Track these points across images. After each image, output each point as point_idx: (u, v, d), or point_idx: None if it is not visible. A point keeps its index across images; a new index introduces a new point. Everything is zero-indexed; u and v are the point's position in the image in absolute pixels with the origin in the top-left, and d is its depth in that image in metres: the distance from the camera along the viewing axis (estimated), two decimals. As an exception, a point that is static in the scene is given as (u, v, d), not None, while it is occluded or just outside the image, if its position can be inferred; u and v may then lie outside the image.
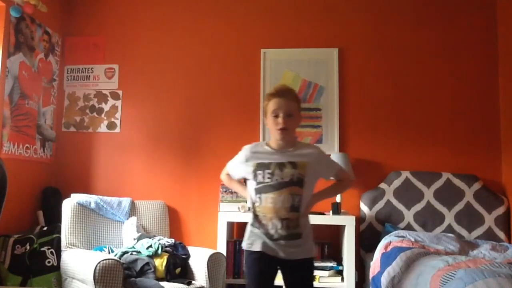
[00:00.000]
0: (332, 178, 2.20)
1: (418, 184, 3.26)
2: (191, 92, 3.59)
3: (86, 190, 3.41)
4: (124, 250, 2.85)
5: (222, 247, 3.03)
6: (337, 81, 3.48)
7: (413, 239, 2.73)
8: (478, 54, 3.43)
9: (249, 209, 2.13)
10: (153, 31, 3.67)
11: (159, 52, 3.64)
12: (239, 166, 2.10)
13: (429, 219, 3.20)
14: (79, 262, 2.65)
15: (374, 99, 3.48)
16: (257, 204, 1.99)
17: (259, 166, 1.99)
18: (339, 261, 3.14)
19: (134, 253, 2.82)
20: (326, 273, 3.01)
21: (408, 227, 3.19)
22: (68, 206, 3.00)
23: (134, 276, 2.64)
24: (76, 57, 3.69)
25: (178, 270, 2.80)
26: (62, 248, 2.90)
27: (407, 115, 3.44)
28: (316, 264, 3.06)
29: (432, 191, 3.23)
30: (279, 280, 2.04)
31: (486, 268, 1.94)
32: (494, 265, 2.01)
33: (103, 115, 3.61)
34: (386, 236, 2.85)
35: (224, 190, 3.33)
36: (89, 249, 2.94)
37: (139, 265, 2.69)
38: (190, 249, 2.98)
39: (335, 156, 3.23)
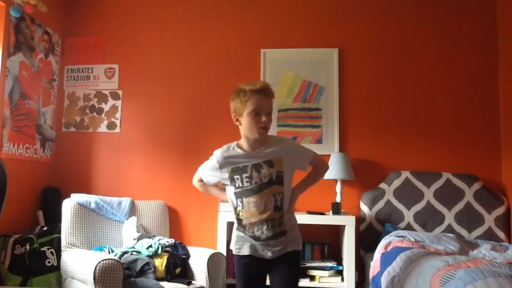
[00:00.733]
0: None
1: (418, 184, 3.26)
2: (191, 92, 3.59)
3: (86, 190, 3.41)
4: (124, 250, 2.85)
5: (222, 247, 3.03)
6: (337, 81, 3.48)
7: (413, 239, 2.73)
8: (478, 54, 3.43)
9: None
10: (153, 31, 3.67)
11: (159, 52, 3.64)
12: (211, 173, 2.01)
13: (429, 219, 3.20)
14: (79, 262, 2.64)
15: (374, 99, 3.48)
16: (239, 209, 1.93)
17: (235, 171, 1.91)
18: (339, 261, 3.14)
19: (134, 253, 2.82)
20: (326, 273, 3.01)
21: (408, 227, 3.19)
22: (68, 206, 3.00)
23: (134, 276, 2.64)
24: (76, 57, 3.69)
25: (178, 270, 2.80)
26: (62, 248, 2.90)
27: (407, 115, 3.44)
28: (316, 264, 3.06)
29: (432, 191, 3.23)
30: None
31: (486, 268, 1.94)
32: (494, 265, 2.01)
33: (103, 115, 3.61)
34: (386, 236, 2.85)
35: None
36: (89, 249, 2.94)
37: (139, 265, 2.69)
38: (190, 249, 2.98)
39: (335, 156, 3.23)
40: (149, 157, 3.56)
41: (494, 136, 3.36)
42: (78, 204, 3.04)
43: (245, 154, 1.93)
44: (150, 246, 2.85)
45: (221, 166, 1.95)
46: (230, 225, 3.24)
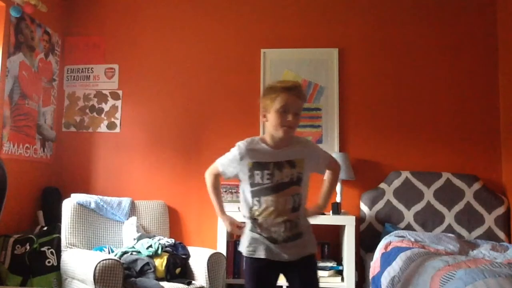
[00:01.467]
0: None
1: (418, 184, 3.26)
2: (191, 92, 3.59)
3: (86, 190, 3.41)
4: (124, 250, 2.85)
5: (222, 247, 3.04)
6: (337, 81, 3.48)
7: (413, 239, 2.73)
8: (478, 54, 3.43)
9: (244, 217, 1.96)
10: (153, 31, 3.67)
11: (159, 52, 3.64)
12: (231, 164, 1.93)
13: (429, 219, 3.20)
14: (79, 262, 2.64)
15: (374, 99, 3.48)
16: (255, 208, 1.88)
17: (256, 166, 1.86)
18: (339, 261, 3.14)
19: (134, 253, 2.82)
20: (326, 273, 3.01)
21: (408, 227, 3.19)
22: (68, 206, 3.00)
23: (134, 276, 2.64)
24: (76, 57, 3.69)
25: (178, 270, 2.80)
26: (62, 248, 2.90)
27: (407, 115, 3.44)
28: (316, 264, 3.06)
29: (432, 191, 3.23)
30: (281, 280, 1.99)
31: (486, 268, 1.94)
32: (494, 265, 2.01)
33: (103, 115, 3.61)
34: (386, 236, 2.85)
35: (224, 190, 3.33)
36: (89, 249, 2.94)
37: (139, 265, 2.69)
38: (190, 249, 2.98)
39: (335, 156, 3.23)
40: (149, 157, 3.56)
41: (494, 136, 3.35)
42: (78, 204, 3.04)
43: (269, 150, 1.89)
44: (150, 246, 2.85)
45: (243, 157, 1.89)
46: (230, 225, 3.25)
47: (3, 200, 1.79)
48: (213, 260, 2.77)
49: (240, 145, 1.92)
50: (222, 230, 3.07)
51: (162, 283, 2.58)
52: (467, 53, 3.44)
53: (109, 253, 2.87)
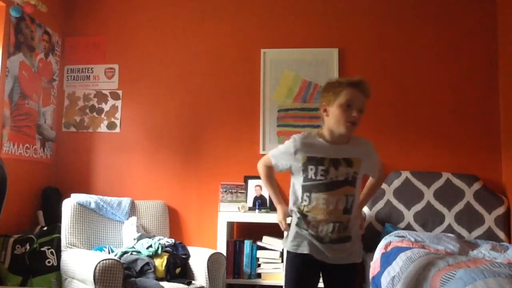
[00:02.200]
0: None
1: (418, 184, 3.26)
2: (191, 92, 3.59)
3: (86, 190, 3.41)
4: (124, 250, 2.85)
5: (222, 247, 3.04)
6: (337, 81, 3.47)
7: (413, 239, 2.73)
8: (478, 54, 3.43)
9: (291, 211, 1.89)
10: (153, 31, 3.67)
11: (159, 52, 3.64)
12: (284, 156, 1.87)
13: (429, 219, 3.20)
14: (79, 262, 2.65)
15: (374, 99, 3.42)
16: (305, 203, 1.80)
17: (311, 161, 1.78)
18: (339, 261, 3.14)
19: (134, 253, 2.82)
20: (326, 273, 3.00)
21: (408, 227, 3.18)
22: (68, 206, 3.00)
23: (134, 276, 2.64)
24: (76, 57, 3.69)
25: (178, 270, 2.80)
26: (62, 248, 2.90)
27: (407, 115, 3.43)
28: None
29: (432, 191, 3.23)
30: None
31: (486, 268, 1.94)
32: (494, 265, 2.01)
33: (103, 115, 3.61)
34: (386, 236, 2.85)
35: (224, 190, 3.33)
36: (89, 249, 2.94)
37: (139, 265, 2.69)
38: (190, 249, 2.98)
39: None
40: (149, 157, 3.56)
41: (494, 136, 3.35)
42: (78, 204, 3.04)
43: (326, 146, 1.82)
44: (150, 246, 2.85)
45: (297, 151, 1.82)
46: (230, 225, 3.25)
47: (3, 200, 1.79)
48: (213, 260, 2.77)
49: (295, 138, 1.86)
50: (222, 230, 3.07)
51: (162, 283, 2.58)
52: (467, 53, 3.44)
53: (109, 253, 2.87)
